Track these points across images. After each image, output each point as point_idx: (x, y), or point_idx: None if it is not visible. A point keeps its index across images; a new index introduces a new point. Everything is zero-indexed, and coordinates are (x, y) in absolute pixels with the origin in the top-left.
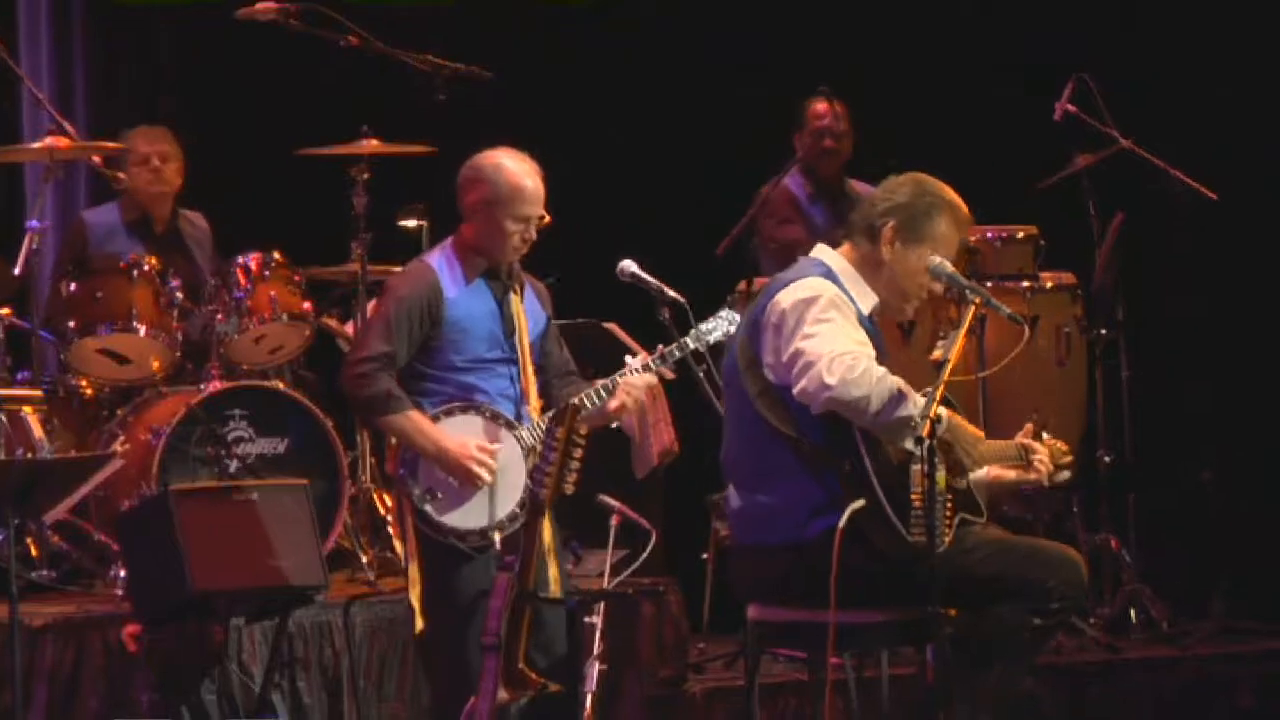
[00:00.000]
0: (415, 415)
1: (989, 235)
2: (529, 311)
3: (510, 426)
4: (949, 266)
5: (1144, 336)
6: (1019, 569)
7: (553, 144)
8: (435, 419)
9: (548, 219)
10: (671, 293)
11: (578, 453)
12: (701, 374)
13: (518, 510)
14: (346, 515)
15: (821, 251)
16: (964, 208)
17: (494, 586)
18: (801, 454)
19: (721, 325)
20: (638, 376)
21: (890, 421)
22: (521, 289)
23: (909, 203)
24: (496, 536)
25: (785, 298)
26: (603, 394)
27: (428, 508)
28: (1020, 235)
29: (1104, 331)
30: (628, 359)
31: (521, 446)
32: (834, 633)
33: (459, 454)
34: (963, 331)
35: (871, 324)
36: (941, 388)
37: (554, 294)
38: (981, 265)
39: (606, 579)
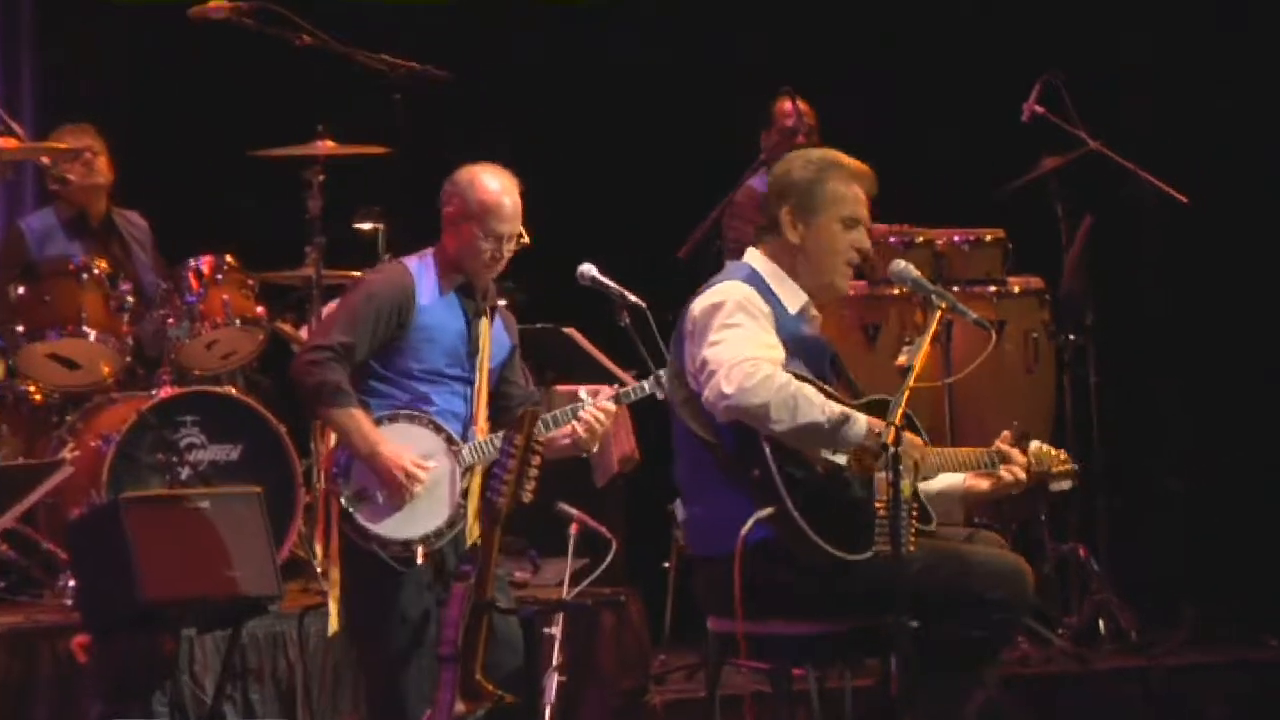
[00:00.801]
0: (358, 414)
1: (955, 239)
2: (495, 338)
3: (451, 443)
4: (914, 270)
5: (1112, 341)
6: (958, 581)
7: (511, 145)
8: (378, 422)
9: (525, 239)
10: (632, 297)
11: (536, 460)
12: (662, 380)
13: (444, 528)
14: (301, 524)
15: (751, 254)
16: (852, 162)
17: (450, 596)
18: (722, 463)
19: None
20: (601, 406)
21: (794, 429)
22: (492, 315)
23: (794, 180)
24: (419, 550)
25: (698, 304)
26: (559, 422)
27: (354, 512)
28: (987, 239)
29: (1072, 337)
30: (582, 393)
31: (459, 465)
32: (743, 645)
33: (392, 462)
34: (928, 337)
35: (802, 321)
36: (906, 394)
37: (515, 303)
38: (948, 269)
39: (565, 589)
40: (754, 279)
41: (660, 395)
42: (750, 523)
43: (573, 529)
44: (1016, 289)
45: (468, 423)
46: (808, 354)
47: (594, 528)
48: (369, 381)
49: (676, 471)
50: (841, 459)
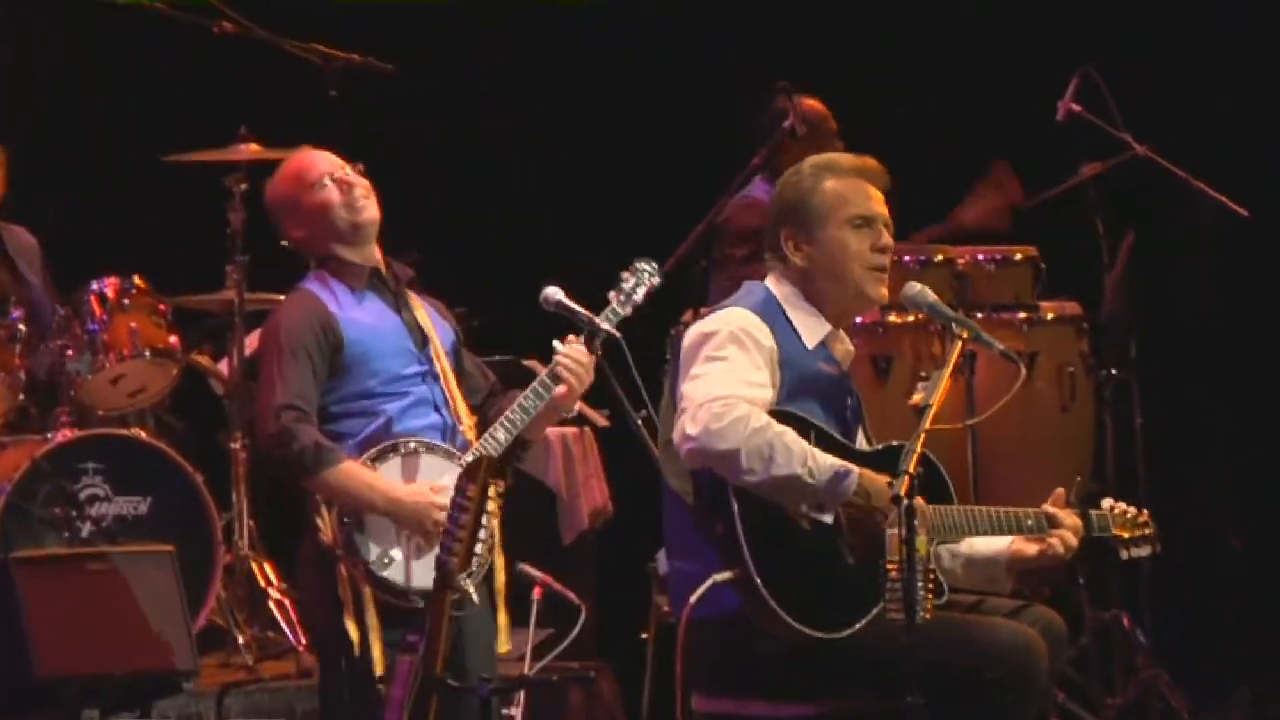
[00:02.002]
0: (353, 467)
1: (979, 258)
2: (434, 319)
3: (451, 456)
4: (930, 294)
5: (1161, 377)
6: (955, 657)
7: (463, 149)
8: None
9: (360, 166)
10: (605, 325)
11: (493, 514)
12: (640, 419)
13: (483, 553)
14: (220, 588)
15: (771, 278)
16: (844, 157)
17: (394, 672)
18: (694, 515)
19: (644, 278)
20: (575, 350)
21: (769, 482)
22: (413, 293)
23: (786, 200)
24: (470, 587)
25: (691, 332)
26: (548, 386)
27: (387, 575)
28: (1016, 257)
29: (1114, 371)
30: (555, 343)
31: None
32: None
33: (417, 502)
34: (947, 372)
35: (819, 357)
36: (922, 438)
37: (466, 329)
38: (971, 293)
39: (528, 663)
40: (768, 306)
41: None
42: (703, 589)
43: (536, 594)
44: (1050, 315)
45: (451, 427)
46: (824, 395)
47: (560, 592)
48: (333, 423)
49: (665, 519)
50: (829, 518)
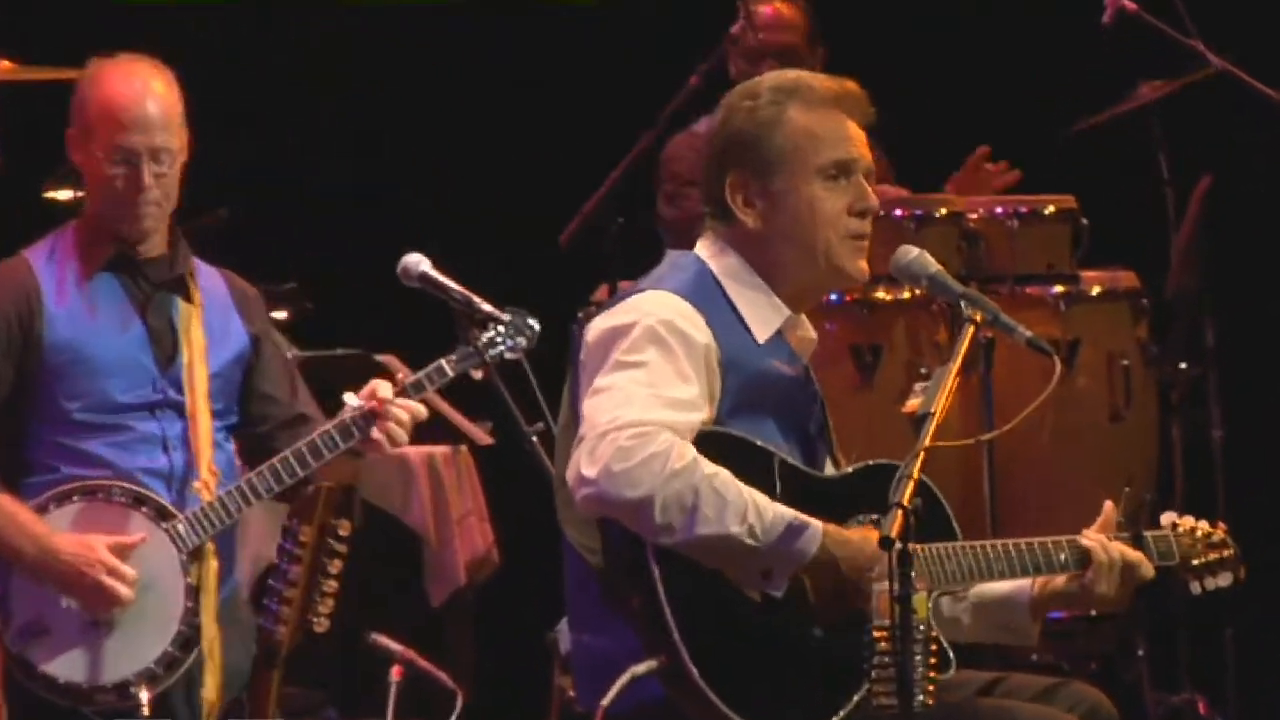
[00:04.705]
0: (7, 503)
1: (998, 211)
2: (215, 326)
3: (162, 515)
4: (931, 262)
5: (1247, 372)
6: None
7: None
8: (41, 510)
9: (184, 156)
10: (485, 306)
11: (335, 565)
12: (536, 435)
13: (174, 653)
14: None
15: (703, 247)
16: (815, 78)
17: None
18: (601, 578)
19: (509, 337)
20: (404, 402)
21: (694, 542)
22: (196, 290)
23: (734, 133)
24: (143, 695)
25: (595, 325)
26: (350, 432)
27: (28, 656)
28: (1049, 210)
29: (1184, 365)
30: (347, 397)
31: (180, 548)
32: None
33: (80, 559)
34: (954, 368)
35: (773, 353)
36: (921, 458)
37: (293, 314)
38: (987, 259)
39: None
40: (702, 285)
41: (477, 374)
42: (618, 686)
43: (394, 673)
44: (1095, 290)
45: (182, 478)
46: (780, 406)
47: (427, 671)
48: (18, 450)
49: (566, 580)
50: (779, 591)
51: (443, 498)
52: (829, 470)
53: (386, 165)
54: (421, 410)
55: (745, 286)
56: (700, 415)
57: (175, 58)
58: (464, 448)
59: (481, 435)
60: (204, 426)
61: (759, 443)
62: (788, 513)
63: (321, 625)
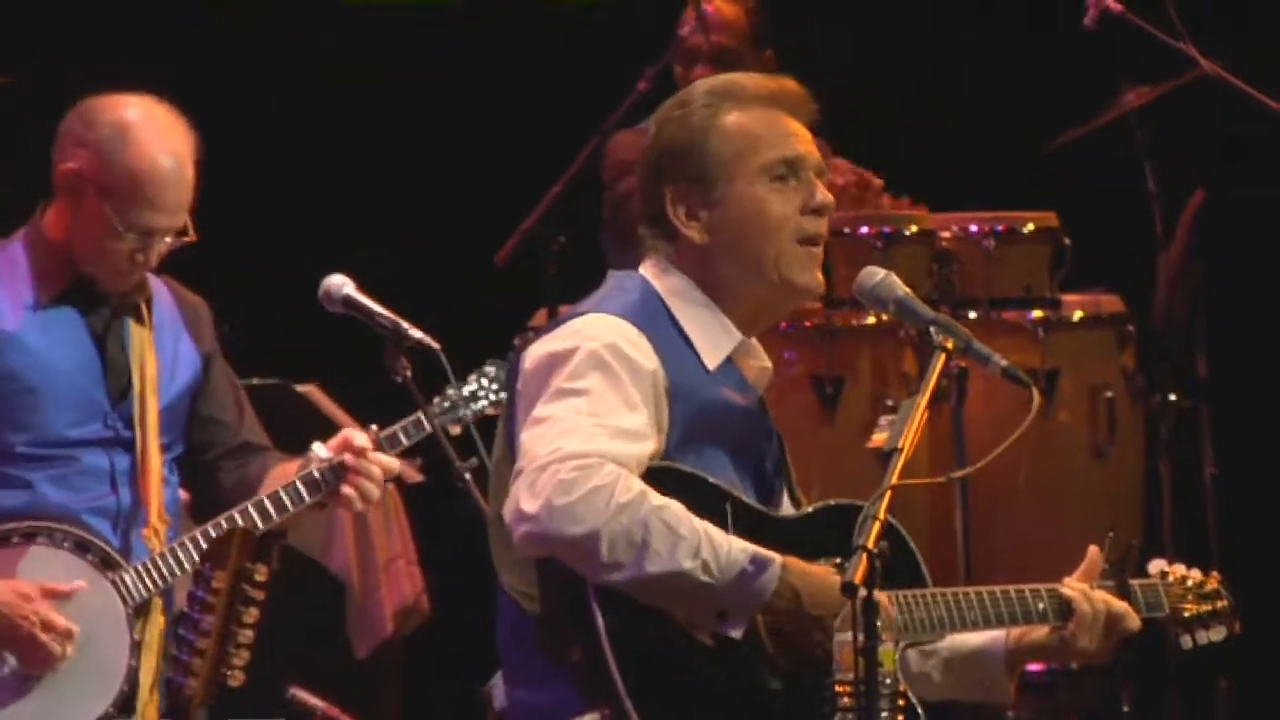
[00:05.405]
0: None
1: (973, 229)
2: (167, 351)
3: (108, 565)
4: (898, 285)
5: (1242, 406)
6: None
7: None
8: None
9: (191, 235)
10: (415, 332)
11: (251, 613)
12: (469, 475)
13: (112, 713)
14: None
15: (649, 264)
16: (749, 78)
17: None
18: (539, 627)
19: (492, 391)
20: (378, 457)
21: (644, 581)
22: (149, 311)
23: (668, 145)
24: None
25: (534, 351)
26: (318, 486)
27: None
28: (1028, 228)
29: (1173, 397)
30: (315, 447)
31: (125, 598)
32: None
33: (11, 608)
34: (923, 400)
35: (724, 382)
36: (888, 497)
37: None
38: (961, 282)
39: None
40: (648, 308)
41: (455, 429)
42: None
43: None
44: (1077, 315)
45: (129, 517)
46: (732, 439)
47: None
48: None
49: (499, 629)
50: (738, 631)
51: (368, 540)
52: (787, 510)
53: (308, 180)
54: (395, 465)
55: (693, 305)
56: (649, 446)
57: None
58: (391, 486)
59: (411, 472)
60: (154, 464)
61: (711, 480)
62: (746, 547)
63: (236, 679)
